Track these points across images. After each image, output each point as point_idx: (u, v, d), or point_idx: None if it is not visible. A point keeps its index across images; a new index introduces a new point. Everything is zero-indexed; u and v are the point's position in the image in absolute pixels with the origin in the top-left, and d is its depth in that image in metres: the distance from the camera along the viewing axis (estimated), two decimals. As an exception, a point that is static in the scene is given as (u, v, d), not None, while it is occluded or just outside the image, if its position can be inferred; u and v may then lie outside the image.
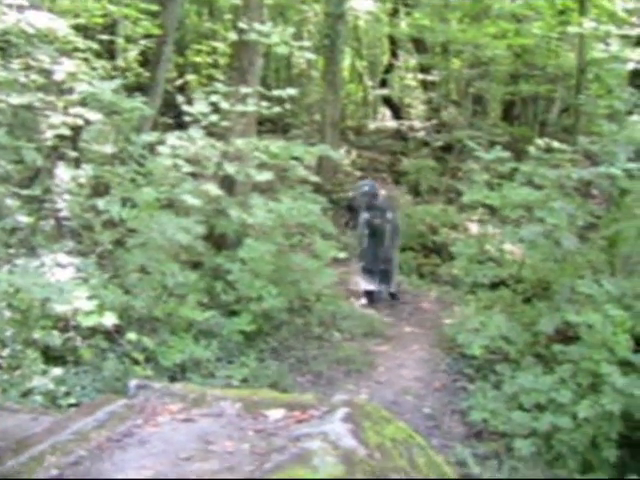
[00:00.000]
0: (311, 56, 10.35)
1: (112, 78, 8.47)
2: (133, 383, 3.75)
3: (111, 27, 11.47)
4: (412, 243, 12.83)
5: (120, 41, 10.53)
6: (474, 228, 12.58)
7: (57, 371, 6.00)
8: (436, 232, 13.08)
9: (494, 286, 8.72)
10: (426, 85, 19.62)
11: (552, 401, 5.84)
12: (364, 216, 10.57)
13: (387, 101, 22.34)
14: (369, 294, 10.35)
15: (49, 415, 4.03)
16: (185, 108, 7.86)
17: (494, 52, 15.58)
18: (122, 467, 2.85)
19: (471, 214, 12.68)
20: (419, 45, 19.76)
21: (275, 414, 3.28)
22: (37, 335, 6.08)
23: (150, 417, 3.38)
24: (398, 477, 2.89)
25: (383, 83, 22.15)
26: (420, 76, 19.44)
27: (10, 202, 7.13)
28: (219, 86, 8.04)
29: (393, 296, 10.50)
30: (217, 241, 8.69)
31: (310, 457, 2.70)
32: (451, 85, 20.65)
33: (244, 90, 8.25)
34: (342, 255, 9.07)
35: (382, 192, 10.86)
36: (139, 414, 3.44)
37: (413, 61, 21.55)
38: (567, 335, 6.95)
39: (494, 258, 9.19)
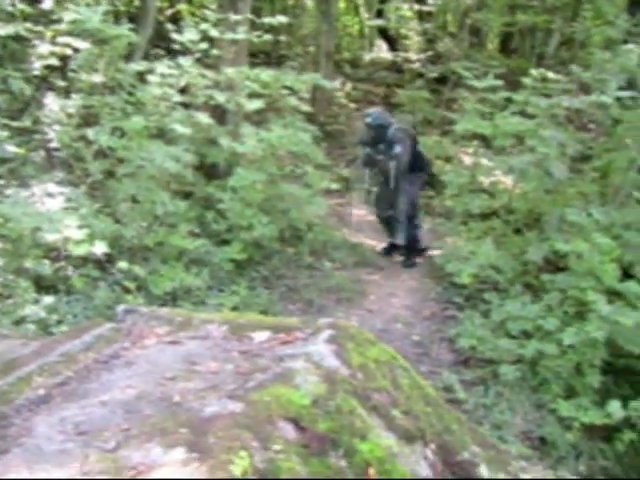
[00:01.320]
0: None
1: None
2: (121, 308, 3.79)
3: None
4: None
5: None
6: (468, 160, 12.55)
7: (49, 299, 6.04)
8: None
9: (486, 217, 8.77)
10: (422, 16, 19.39)
11: (539, 328, 5.92)
12: (364, 151, 9.54)
13: (383, 33, 22.08)
14: (388, 246, 9.59)
15: (39, 341, 4.08)
16: (175, 36, 7.78)
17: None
18: (108, 387, 2.89)
19: (465, 146, 12.62)
20: (416, -26, 19.48)
21: (260, 336, 3.32)
22: (28, 264, 6.11)
23: (137, 340, 3.43)
24: (380, 396, 2.95)
25: (379, 14, 21.85)
26: (416, 7, 19.21)
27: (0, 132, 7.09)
28: (209, 13, 7.94)
29: (405, 251, 9.31)
30: (208, 171, 8.67)
31: (293, 376, 2.75)
32: (448, 16, 20.41)
33: (234, 18, 8.15)
34: (334, 186, 9.11)
35: (395, 122, 9.30)
36: (126, 337, 3.48)
37: (409, -9, 21.23)
38: (558, 266, 6.99)
39: (486, 189, 9.23)
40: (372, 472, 2.51)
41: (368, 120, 9.31)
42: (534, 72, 8.03)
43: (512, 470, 3.19)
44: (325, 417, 2.58)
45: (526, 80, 8.02)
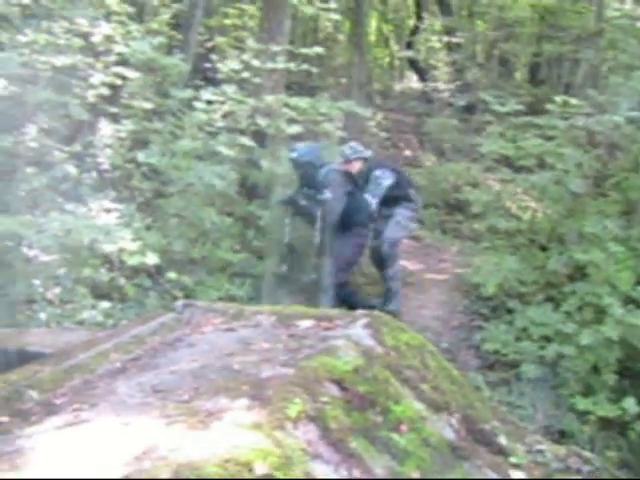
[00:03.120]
0: (337, 17, 10.65)
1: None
2: (179, 302, 4.28)
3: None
4: (436, 200, 13.25)
5: (155, 3, 10.99)
6: (496, 186, 12.93)
7: (105, 305, 6.55)
8: (459, 190, 13.43)
9: (511, 236, 9.15)
10: (451, 47, 19.84)
11: (558, 333, 6.32)
12: (286, 193, 8.03)
13: (413, 64, 22.58)
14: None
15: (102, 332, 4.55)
16: (219, 66, 8.35)
17: (518, 13, 15.77)
18: (175, 361, 3.36)
19: (492, 171, 13.00)
20: (444, 7, 19.96)
21: (305, 324, 3.77)
22: (86, 273, 6.62)
23: (196, 327, 3.90)
24: (410, 372, 3.38)
25: (409, 46, 22.37)
26: (445, 38, 19.66)
27: (57, 154, 7.66)
28: (250, 44, 8.51)
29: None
30: (248, 192, 9.18)
31: (335, 351, 3.21)
32: (476, 47, 20.83)
33: (274, 48, 8.71)
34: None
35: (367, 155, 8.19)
36: (186, 325, 3.96)
37: (438, 23, 21.74)
38: (577, 278, 7.38)
39: (513, 214, 9.63)
40: (404, 428, 2.94)
41: (293, 155, 7.68)
42: (557, 99, 8.46)
43: (528, 442, 3.58)
44: (364, 382, 3.03)
45: (550, 106, 8.45)
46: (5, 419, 2.82)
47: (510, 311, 7.38)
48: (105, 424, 2.62)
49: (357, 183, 7.89)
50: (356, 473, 2.52)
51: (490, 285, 7.30)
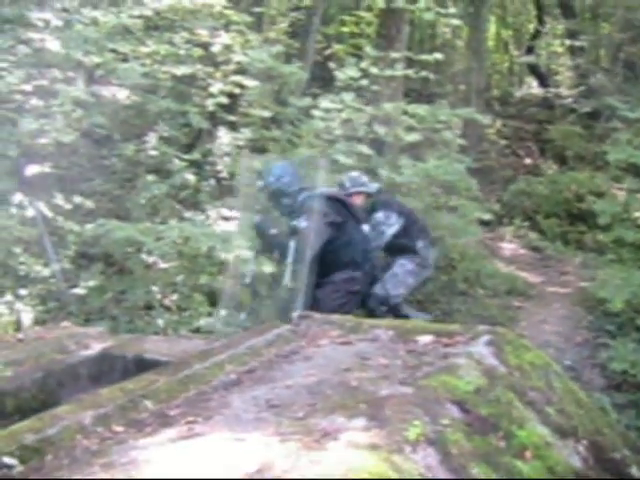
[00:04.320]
0: (457, 22, 10.46)
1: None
2: (296, 314, 4.23)
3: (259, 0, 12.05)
4: (557, 210, 12.87)
5: (272, 12, 11.11)
6: (622, 196, 12.46)
7: (221, 312, 6.60)
8: (582, 199, 13.01)
9: (639, 250, 8.75)
10: (574, 51, 19.27)
11: (693, 355, 5.97)
12: (254, 219, 6.61)
13: (533, 69, 22.07)
14: None
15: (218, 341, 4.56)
16: (337, 73, 8.33)
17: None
18: (291, 375, 3.30)
19: (619, 180, 12.54)
20: (567, 10, 19.39)
21: (424, 339, 3.65)
22: (203, 281, 6.69)
23: (312, 340, 3.83)
24: (535, 394, 3.21)
25: (529, 51, 21.87)
26: (568, 42, 19.12)
27: (177, 162, 7.80)
28: (369, 51, 8.46)
29: None
30: (365, 202, 9.12)
31: (456, 369, 3.07)
32: (601, 50, 20.18)
33: (392, 55, 8.64)
34: (487, 217, 9.28)
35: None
36: (302, 337, 3.89)
37: (560, 27, 21.16)
38: None
39: (640, 225, 9.21)
40: (529, 454, 2.78)
41: (270, 180, 6.26)
42: (692, 104, 8.07)
43: (663, 475, 3.34)
44: (486, 404, 2.88)
45: (682, 112, 8.06)
46: (120, 429, 2.83)
47: (639, 329, 7.03)
48: (219, 439, 2.59)
49: (354, 215, 6.32)
50: (478, 502, 2.39)
51: (617, 300, 6.98)
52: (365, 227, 6.42)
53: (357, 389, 2.99)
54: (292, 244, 5.96)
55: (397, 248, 6.90)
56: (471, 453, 2.60)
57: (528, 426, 2.97)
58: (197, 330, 6.33)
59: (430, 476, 2.36)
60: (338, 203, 6.21)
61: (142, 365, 3.90)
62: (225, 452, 2.44)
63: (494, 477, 2.56)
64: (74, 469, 2.51)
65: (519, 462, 2.72)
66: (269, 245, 6.37)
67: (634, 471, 3.18)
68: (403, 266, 6.82)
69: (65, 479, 2.42)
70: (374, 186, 6.98)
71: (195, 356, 3.63)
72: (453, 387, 2.90)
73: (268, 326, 4.12)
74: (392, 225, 6.75)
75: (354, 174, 7.00)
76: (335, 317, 4.24)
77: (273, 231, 6.24)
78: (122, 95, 8.16)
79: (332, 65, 8.79)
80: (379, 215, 6.79)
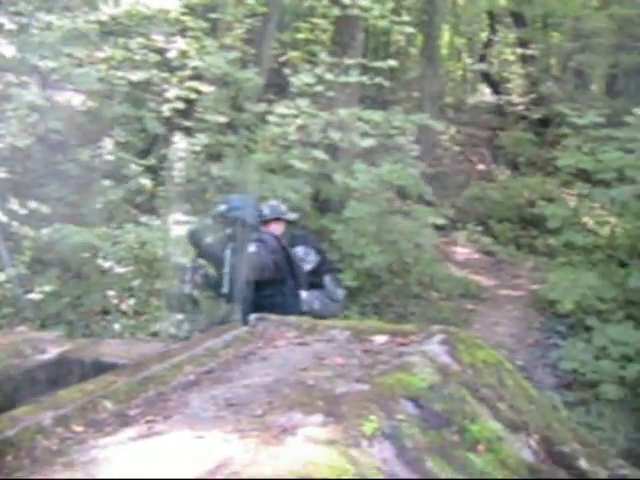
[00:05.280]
0: (411, 30, 10.53)
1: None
2: (253, 316, 4.27)
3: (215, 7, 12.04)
4: (510, 215, 13.06)
5: (229, 19, 11.10)
6: (572, 201, 12.69)
7: (178, 317, 6.60)
8: (533, 205, 13.20)
9: (588, 252, 8.94)
10: (525, 59, 19.58)
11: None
12: (188, 228, 6.52)
13: (486, 77, 22.37)
14: None
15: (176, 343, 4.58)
16: (292, 80, 8.39)
17: (595, 24, 15.46)
18: (249, 375, 3.33)
19: (569, 185, 12.76)
20: (518, 19, 19.69)
21: (379, 339, 3.71)
22: (159, 285, 6.69)
23: (269, 341, 3.87)
24: (487, 391, 3.30)
25: (482, 59, 22.16)
26: (519, 50, 19.43)
27: (133, 167, 7.79)
28: (324, 57, 8.53)
29: None
30: (320, 206, 9.19)
31: (411, 367, 3.14)
32: (551, 59, 20.51)
33: (347, 61, 8.72)
34: (440, 221, 9.39)
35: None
36: (259, 338, 3.93)
37: (512, 36, 21.49)
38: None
39: (591, 229, 9.42)
40: (481, 448, 2.86)
41: (221, 209, 6.01)
42: (637, 110, 8.25)
43: (610, 466, 3.45)
44: (440, 400, 2.95)
45: (629, 118, 8.24)
46: (80, 429, 2.84)
47: (588, 329, 7.19)
48: (178, 437, 2.61)
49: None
50: (433, 494, 2.45)
51: (567, 302, 7.14)
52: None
53: (314, 387, 3.04)
54: (228, 253, 5.81)
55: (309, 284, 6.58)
56: (426, 447, 2.66)
57: (481, 421, 3.04)
58: (154, 334, 6.33)
59: (387, 469, 2.42)
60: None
61: (100, 368, 3.89)
62: (185, 449, 2.47)
63: (448, 469, 2.63)
64: (35, 469, 2.52)
65: (472, 455, 2.79)
66: (204, 254, 6.11)
67: (583, 464, 3.26)
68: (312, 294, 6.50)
69: (26, 479, 2.44)
70: (293, 215, 6.71)
71: (153, 358, 3.65)
72: (408, 384, 2.96)
73: (226, 328, 4.16)
74: (310, 262, 6.57)
75: (273, 202, 6.71)
76: (291, 319, 4.29)
77: (208, 240, 6.06)
78: (77, 100, 8.11)
79: (287, 71, 8.84)
80: (298, 250, 6.56)
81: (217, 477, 2.21)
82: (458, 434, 2.86)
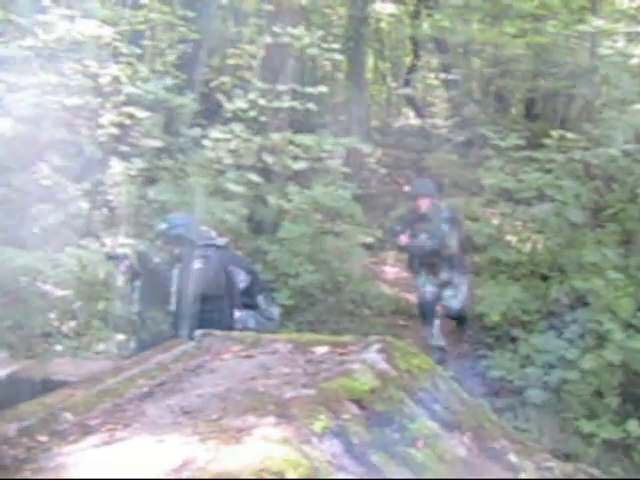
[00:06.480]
0: (339, 57, 10.88)
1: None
2: (199, 332, 4.46)
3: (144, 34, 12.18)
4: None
5: (162, 45, 11.28)
6: (496, 219, 13.11)
7: (120, 337, 6.73)
8: (459, 224, 13.54)
9: (512, 268, 9.35)
10: (448, 84, 20.08)
11: (562, 359, 6.51)
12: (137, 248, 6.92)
13: (410, 100, 22.84)
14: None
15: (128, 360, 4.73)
16: (226, 104, 8.62)
17: (513, 51, 16.02)
18: (199, 385, 3.54)
19: (493, 206, 13.18)
20: (441, 45, 20.23)
21: (321, 350, 3.95)
22: (101, 307, 6.80)
23: (216, 355, 4.07)
24: (423, 394, 3.56)
25: (406, 83, 22.64)
26: (442, 75, 19.92)
27: (72, 190, 7.88)
28: (256, 83, 8.80)
29: None
30: (254, 228, 9.40)
31: (352, 373, 3.39)
32: (473, 83, 21.08)
33: (280, 87, 9.00)
34: (369, 240, 9.70)
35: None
36: (206, 352, 4.14)
37: (435, 61, 22.05)
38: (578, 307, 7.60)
39: (514, 246, 9.83)
40: (420, 444, 3.12)
41: (162, 227, 6.28)
42: (554, 133, 8.72)
43: (536, 460, 3.73)
44: (381, 402, 3.22)
45: (547, 140, 8.70)
46: (44, 438, 2.99)
47: (514, 339, 7.57)
48: (140, 442, 2.79)
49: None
50: (378, 485, 2.69)
51: (494, 313, 7.50)
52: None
53: (264, 394, 3.25)
54: (175, 272, 6.05)
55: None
56: (370, 443, 2.91)
57: (419, 420, 3.30)
58: (97, 355, 6.44)
59: (336, 462, 2.65)
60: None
61: (50, 387, 4.01)
62: (149, 452, 2.65)
63: (391, 463, 2.88)
64: (5, 476, 2.68)
65: (413, 450, 3.04)
66: (152, 273, 6.24)
67: (512, 458, 3.53)
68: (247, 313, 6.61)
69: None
70: (222, 240, 6.71)
71: (107, 372, 3.82)
72: (351, 388, 3.21)
73: (174, 343, 4.34)
74: (241, 282, 6.60)
75: (204, 228, 6.75)
76: (235, 333, 4.52)
77: (156, 260, 6.31)
78: (6, 126, 8.07)
79: (219, 96, 9.07)
80: (230, 270, 6.58)
81: (184, 474, 2.41)
82: (399, 432, 3.12)
